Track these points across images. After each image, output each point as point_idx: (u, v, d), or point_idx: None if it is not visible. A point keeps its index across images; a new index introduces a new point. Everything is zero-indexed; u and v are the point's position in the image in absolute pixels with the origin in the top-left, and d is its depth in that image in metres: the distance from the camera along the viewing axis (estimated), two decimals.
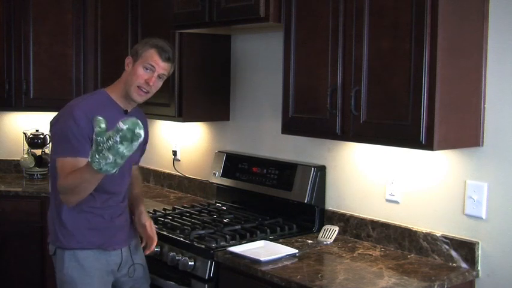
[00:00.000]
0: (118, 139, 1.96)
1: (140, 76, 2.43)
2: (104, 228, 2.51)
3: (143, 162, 4.35)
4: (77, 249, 2.46)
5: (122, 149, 1.97)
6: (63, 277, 2.48)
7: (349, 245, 2.78)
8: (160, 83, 2.51)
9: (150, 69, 2.45)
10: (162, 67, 2.47)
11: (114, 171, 2.05)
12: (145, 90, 2.46)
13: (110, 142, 1.96)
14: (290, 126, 2.74)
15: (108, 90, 2.53)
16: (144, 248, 2.67)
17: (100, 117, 2.01)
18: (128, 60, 2.49)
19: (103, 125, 1.99)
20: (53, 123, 2.45)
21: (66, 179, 2.28)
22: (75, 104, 2.45)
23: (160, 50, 2.46)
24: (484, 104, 2.39)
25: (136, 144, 1.99)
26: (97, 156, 2.00)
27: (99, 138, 1.98)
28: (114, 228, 2.54)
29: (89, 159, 2.04)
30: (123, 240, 2.60)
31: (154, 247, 2.66)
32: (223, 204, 3.49)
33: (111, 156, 1.99)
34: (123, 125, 1.96)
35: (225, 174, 3.45)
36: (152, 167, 4.25)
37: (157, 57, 2.45)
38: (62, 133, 2.36)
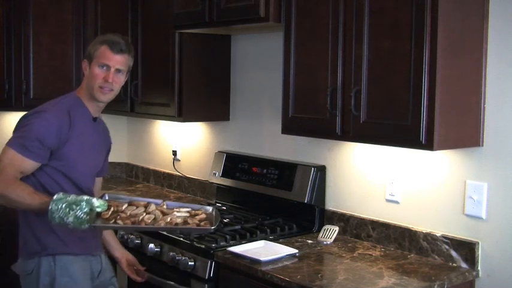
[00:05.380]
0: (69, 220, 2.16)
1: (98, 76, 2.39)
2: (88, 233, 2.42)
3: (144, 162, 4.37)
4: (65, 254, 2.39)
5: (71, 219, 2.16)
6: None
7: (349, 245, 2.78)
8: (122, 78, 2.45)
9: (106, 66, 2.40)
10: (117, 60, 2.40)
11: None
12: (108, 89, 2.41)
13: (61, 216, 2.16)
14: (290, 126, 2.74)
15: (79, 94, 2.50)
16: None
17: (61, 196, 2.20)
18: (84, 64, 2.46)
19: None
20: (25, 116, 2.39)
21: (9, 187, 2.26)
22: (49, 107, 2.42)
23: (110, 44, 2.40)
24: (484, 104, 2.39)
25: (79, 212, 2.16)
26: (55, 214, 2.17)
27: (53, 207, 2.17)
28: (93, 233, 2.49)
29: (49, 208, 2.16)
30: (100, 247, 2.58)
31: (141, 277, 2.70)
32: (223, 204, 3.49)
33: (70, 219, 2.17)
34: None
35: (225, 174, 3.45)
36: (152, 167, 4.25)
37: (109, 52, 2.39)
38: (28, 128, 2.32)
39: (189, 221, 2.28)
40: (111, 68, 2.40)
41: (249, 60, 3.49)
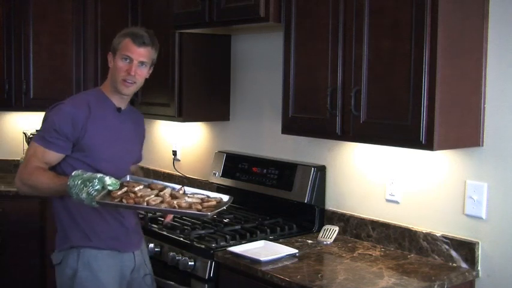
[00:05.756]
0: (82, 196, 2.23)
1: (121, 69, 2.42)
2: (116, 229, 2.48)
3: (143, 162, 4.36)
4: (89, 247, 2.42)
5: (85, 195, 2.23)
6: (72, 283, 2.42)
7: (349, 245, 2.78)
8: (145, 70, 2.48)
9: (129, 59, 2.42)
10: (139, 53, 2.43)
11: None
12: (130, 81, 2.44)
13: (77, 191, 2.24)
14: (290, 126, 2.74)
15: (102, 88, 2.55)
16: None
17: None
18: (109, 57, 2.49)
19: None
20: (49, 109, 2.47)
21: (33, 175, 2.36)
22: (68, 100, 2.48)
23: (133, 37, 2.42)
24: (484, 104, 2.39)
25: (91, 189, 2.22)
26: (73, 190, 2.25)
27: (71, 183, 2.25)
28: (125, 229, 2.51)
29: (67, 183, 2.25)
30: (135, 243, 2.58)
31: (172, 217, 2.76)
32: None
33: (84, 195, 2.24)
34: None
35: (225, 174, 3.45)
36: (152, 167, 4.25)
37: (131, 44, 2.41)
38: (47, 121, 2.43)
39: (193, 206, 2.28)
40: (133, 60, 2.42)
41: (249, 60, 3.49)
